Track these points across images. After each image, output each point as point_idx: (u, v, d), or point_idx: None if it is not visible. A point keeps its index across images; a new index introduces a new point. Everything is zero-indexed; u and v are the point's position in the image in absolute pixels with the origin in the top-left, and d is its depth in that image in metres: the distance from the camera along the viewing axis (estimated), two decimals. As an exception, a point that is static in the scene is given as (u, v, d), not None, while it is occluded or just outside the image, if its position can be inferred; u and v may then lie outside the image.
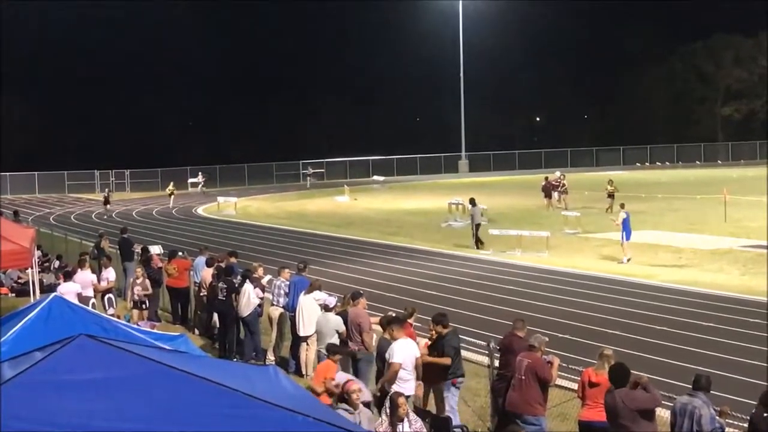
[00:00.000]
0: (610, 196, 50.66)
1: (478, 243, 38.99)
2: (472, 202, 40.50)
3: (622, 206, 37.47)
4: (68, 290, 21.33)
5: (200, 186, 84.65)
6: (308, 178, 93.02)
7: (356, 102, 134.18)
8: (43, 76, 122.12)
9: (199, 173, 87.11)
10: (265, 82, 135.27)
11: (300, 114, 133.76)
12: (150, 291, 24.34)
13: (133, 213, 64.23)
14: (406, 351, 14.45)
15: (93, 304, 22.37)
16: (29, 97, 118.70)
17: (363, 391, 13.18)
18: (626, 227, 34.32)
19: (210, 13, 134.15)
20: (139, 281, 24.27)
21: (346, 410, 12.02)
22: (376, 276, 32.54)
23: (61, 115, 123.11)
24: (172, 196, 70.60)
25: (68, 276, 23.89)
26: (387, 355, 14.55)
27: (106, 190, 73.59)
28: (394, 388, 14.44)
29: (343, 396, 12.32)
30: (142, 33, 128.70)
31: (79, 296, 21.71)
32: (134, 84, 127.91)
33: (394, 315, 16.47)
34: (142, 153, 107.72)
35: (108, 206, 65.24)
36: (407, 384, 14.37)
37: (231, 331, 21.25)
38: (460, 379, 15.04)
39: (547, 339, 14.28)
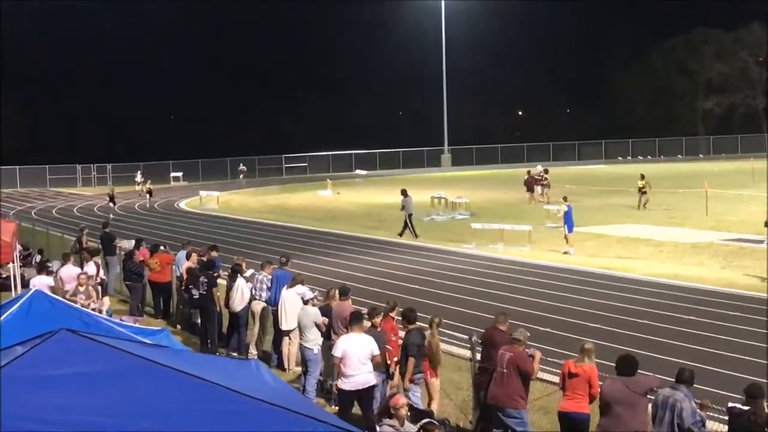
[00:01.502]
0: (642, 191, 49.65)
1: (406, 231, 40.89)
2: (404, 193, 41.81)
3: (565, 199, 38.09)
4: (40, 283, 21.32)
5: (242, 176, 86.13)
6: (240, 176, 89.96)
7: (339, 96, 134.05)
8: (24, 71, 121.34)
9: (240, 164, 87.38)
10: (248, 76, 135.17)
11: (282, 108, 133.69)
12: (93, 298, 22.99)
13: (115, 207, 64.01)
14: (347, 346, 14.54)
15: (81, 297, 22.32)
16: (11, 92, 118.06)
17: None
18: (568, 220, 35.13)
19: (193, 8, 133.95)
20: (82, 289, 22.55)
21: (391, 426, 11.71)
22: (359, 270, 32.54)
23: (42, 109, 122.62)
24: (149, 195, 67.04)
25: (42, 269, 23.93)
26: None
27: (110, 187, 71.91)
28: (339, 383, 14.75)
29: (389, 411, 11.89)
30: (125, 28, 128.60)
31: (60, 291, 21.70)
32: (117, 78, 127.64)
33: (371, 308, 16.51)
34: (123, 147, 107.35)
35: (114, 204, 62.18)
36: (352, 379, 14.47)
37: (212, 326, 21.25)
38: (417, 376, 15.05)
39: (528, 333, 14.33)
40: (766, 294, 25.28)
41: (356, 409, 14.90)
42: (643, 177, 50.23)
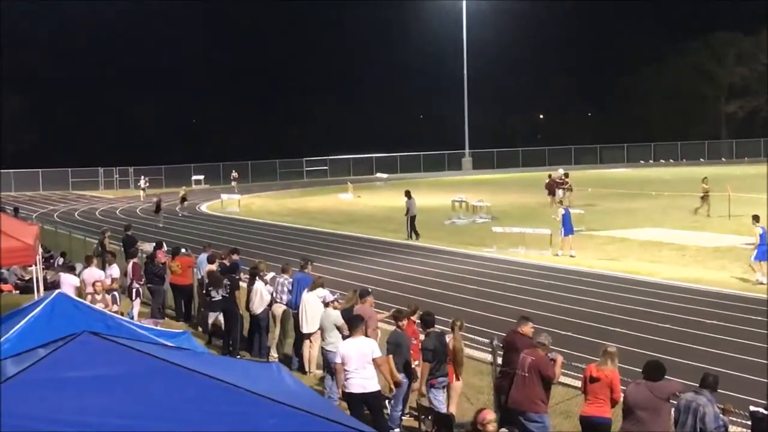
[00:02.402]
0: (705, 196, 47.57)
1: (414, 234, 41.27)
2: (408, 194, 42.12)
3: (561, 203, 38.12)
4: (67, 281, 21.97)
5: (234, 182, 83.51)
6: (233, 182, 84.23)
7: (360, 99, 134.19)
8: (47, 74, 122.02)
9: (233, 171, 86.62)
10: (270, 79, 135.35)
11: (303, 111, 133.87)
12: (110, 306, 23.11)
13: (137, 210, 64.22)
14: (346, 349, 14.56)
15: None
16: (33, 95, 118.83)
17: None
18: (566, 223, 35.29)
19: (213, 11, 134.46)
20: (99, 297, 21.80)
21: None
22: (380, 273, 32.53)
23: (65, 112, 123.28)
24: (181, 202, 61.42)
25: (69, 270, 24.11)
26: None
27: (183, 189, 66.94)
28: (342, 387, 14.76)
29: (476, 427, 11.47)
30: (148, 32, 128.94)
31: (83, 293, 21.80)
32: (139, 82, 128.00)
33: (397, 309, 16.51)
34: (145, 150, 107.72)
35: (160, 212, 54.54)
36: (352, 382, 14.44)
37: (234, 328, 21.29)
38: (439, 380, 15.00)
39: (551, 339, 14.28)
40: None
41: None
42: (705, 180, 47.97)
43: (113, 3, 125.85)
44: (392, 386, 14.95)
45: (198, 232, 47.45)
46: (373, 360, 14.44)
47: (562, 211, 36.48)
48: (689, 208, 48.02)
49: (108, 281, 24.16)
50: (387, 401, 15.59)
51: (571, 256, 34.60)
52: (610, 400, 12.84)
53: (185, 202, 61.10)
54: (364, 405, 14.62)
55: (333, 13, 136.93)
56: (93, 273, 23.71)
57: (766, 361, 19.06)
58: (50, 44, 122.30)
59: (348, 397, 14.67)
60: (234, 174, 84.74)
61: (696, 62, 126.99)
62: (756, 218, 29.59)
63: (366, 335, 15.42)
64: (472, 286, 29.56)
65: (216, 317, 22.11)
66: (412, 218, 41.53)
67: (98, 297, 21.51)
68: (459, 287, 29.33)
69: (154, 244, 29.53)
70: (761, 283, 27.79)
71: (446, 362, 15.02)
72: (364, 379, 14.36)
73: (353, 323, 15.08)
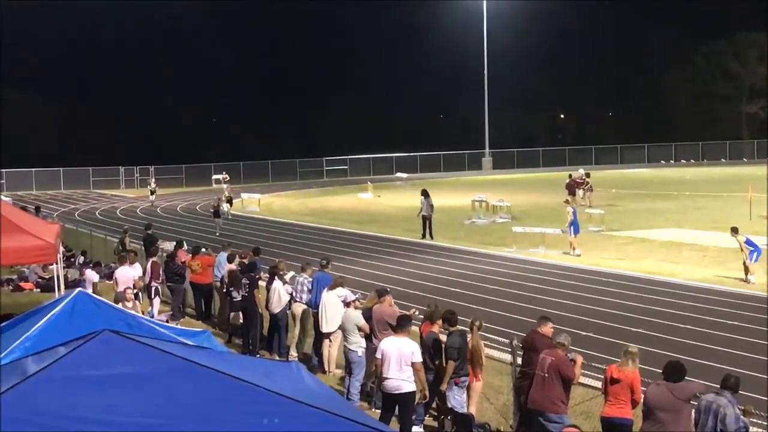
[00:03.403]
0: (587, 188, 48.65)
1: (427, 234, 41.43)
2: (423, 193, 42.25)
3: (567, 202, 38.24)
4: (90, 275, 21.93)
5: (225, 184, 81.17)
6: (224, 184, 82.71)
7: (380, 99, 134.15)
8: (67, 72, 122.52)
9: (223, 171, 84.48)
10: (289, 79, 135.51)
11: (324, 111, 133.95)
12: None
13: (158, 209, 64.44)
14: (386, 347, 14.58)
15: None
16: (54, 95, 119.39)
17: None
18: (575, 222, 35.61)
19: (234, 11, 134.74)
20: (129, 305, 20.69)
21: None
22: (400, 273, 32.53)
23: (86, 111, 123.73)
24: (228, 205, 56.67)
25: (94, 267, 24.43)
26: None
27: (228, 187, 61.14)
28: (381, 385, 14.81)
29: None
30: (168, 31, 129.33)
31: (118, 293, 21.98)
32: (159, 81, 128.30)
33: (433, 309, 16.50)
34: (166, 149, 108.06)
35: (230, 205, 54.98)
36: (386, 382, 14.48)
37: (254, 327, 21.33)
38: (462, 379, 14.98)
39: (570, 339, 14.24)
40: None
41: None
42: (588, 175, 48.97)
43: (134, 2, 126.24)
44: (426, 393, 14.88)
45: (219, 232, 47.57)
46: (413, 364, 14.38)
47: (570, 209, 36.65)
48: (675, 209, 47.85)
49: (130, 293, 24.21)
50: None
51: (577, 255, 34.76)
52: (631, 401, 12.80)
53: (231, 203, 56.96)
54: (396, 405, 14.67)
55: (354, 13, 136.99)
56: (126, 272, 23.78)
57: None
58: (68, 44, 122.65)
59: (383, 395, 14.79)
60: (224, 175, 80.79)
61: (718, 62, 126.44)
62: (735, 230, 29.49)
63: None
64: (491, 286, 29.53)
65: (235, 316, 22.17)
66: (425, 218, 41.66)
67: (129, 304, 21.27)
68: (479, 287, 29.29)
69: (174, 243, 29.64)
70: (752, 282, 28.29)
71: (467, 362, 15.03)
72: (400, 381, 14.37)
73: (401, 323, 15.03)
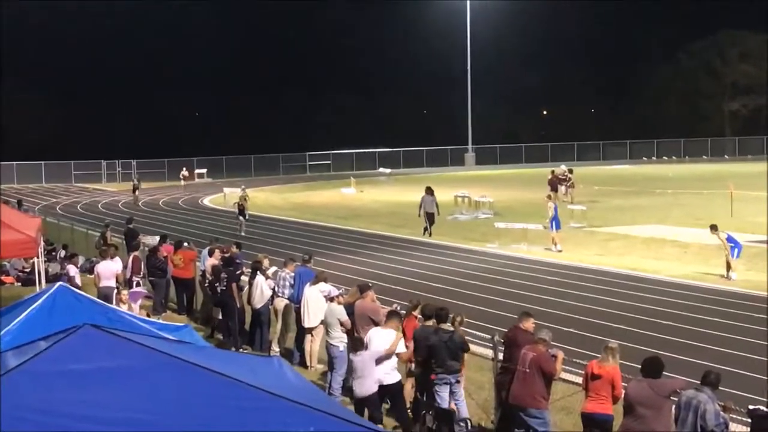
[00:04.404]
0: (570, 185, 48.80)
1: (426, 231, 40.88)
2: (427, 190, 41.86)
3: (549, 198, 38.44)
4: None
5: (183, 181, 78.04)
6: (182, 181, 78.45)
7: (363, 94, 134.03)
8: (49, 66, 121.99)
9: (183, 167, 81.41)
10: (273, 73, 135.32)
11: (307, 105, 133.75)
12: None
13: (140, 203, 64.25)
14: (370, 339, 14.73)
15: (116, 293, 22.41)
16: (35, 88, 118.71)
17: None
18: (555, 218, 35.69)
19: (218, 5, 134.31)
20: (125, 307, 20.28)
21: None
22: (383, 268, 32.54)
23: (67, 104, 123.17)
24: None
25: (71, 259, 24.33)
26: None
27: (243, 190, 53.75)
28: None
29: None
30: (150, 24, 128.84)
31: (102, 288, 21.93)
32: (142, 74, 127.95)
33: (424, 303, 16.56)
34: (148, 143, 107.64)
35: (243, 217, 46.08)
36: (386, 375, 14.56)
37: (233, 321, 21.29)
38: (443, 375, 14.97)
39: (551, 334, 14.28)
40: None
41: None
42: (570, 170, 49.37)
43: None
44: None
45: (201, 226, 47.41)
46: (398, 355, 14.56)
47: (552, 205, 36.69)
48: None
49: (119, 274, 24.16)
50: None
51: (558, 251, 34.86)
52: (611, 397, 12.84)
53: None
54: (384, 396, 14.73)
55: (337, 9, 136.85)
56: (108, 266, 23.73)
57: (766, 359, 19.06)
58: (51, 37, 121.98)
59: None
60: (184, 172, 78.80)
61: (702, 60, 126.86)
62: (714, 227, 29.58)
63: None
64: (473, 281, 29.56)
65: (216, 311, 22.11)
66: (427, 215, 41.23)
67: (124, 306, 20.97)
68: (461, 282, 29.33)
69: (158, 237, 29.58)
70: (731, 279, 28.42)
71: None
72: (389, 371, 14.41)
73: (390, 316, 15.23)
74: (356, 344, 15.47)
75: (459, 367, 14.94)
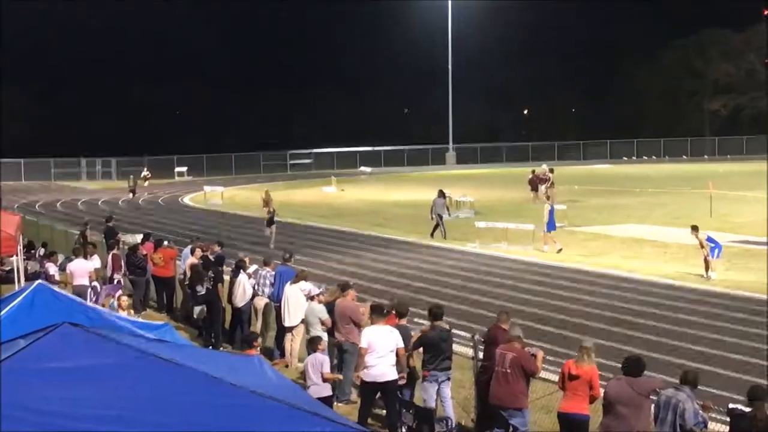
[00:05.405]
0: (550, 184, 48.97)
1: (433, 233, 39.92)
2: (441, 194, 41.48)
3: (548, 198, 38.37)
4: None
5: (146, 182, 73.74)
6: (145, 182, 73.61)
7: (345, 93, 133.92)
8: (28, 63, 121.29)
9: (144, 168, 78.44)
10: (254, 71, 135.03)
11: (288, 104, 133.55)
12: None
13: (119, 201, 64.04)
14: (372, 337, 14.61)
15: (90, 291, 22.35)
16: (15, 85, 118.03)
17: None
18: (551, 219, 35.55)
19: (199, 2, 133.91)
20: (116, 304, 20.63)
21: None
22: (363, 267, 32.54)
23: (48, 102, 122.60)
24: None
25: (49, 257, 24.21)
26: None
27: (266, 192, 50.37)
28: (361, 374, 14.76)
29: None
30: (130, 20, 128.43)
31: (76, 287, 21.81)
32: (121, 72, 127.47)
33: (398, 302, 16.58)
34: (128, 141, 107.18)
35: (273, 226, 39.79)
36: (373, 370, 14.51)
37: (218, 321, 21.25)
38: (432, 373, 14.95)
39: (521, 330, 14.36)
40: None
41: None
42: (551, 170, 49.06)
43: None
44: (405, 375, 15.04)
45: (181, 224, 47.27)
46: (398, 350, 14.57)
47: (548, 206, 36.59)
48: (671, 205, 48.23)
49: (93, 272, 24.13)
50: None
51: (559, 250, 34.63)
52: (588, 397, 12.85)
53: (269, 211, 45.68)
54: (378, 393, 14.81)
55: (318, 8, 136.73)
56: (82, 265, 23.69)
57: (745, 358, 19.17)
58: (31, 33, 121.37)
59: (366, 384, 14.77)
60: (146, 173, 75.07)
61: (683, 59, 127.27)
62: (695, 228, 29.69)
63: (357, 329, 15.46)
64: (454, 280, 29.60)
65: (201, 310, 22.04)
66: (439, 216, 40.15)
67: (123, 313, 20.68)
68: (441, 281, 29.36)
69: (137, 235, 29.50)
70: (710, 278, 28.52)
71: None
72: (388, 367, 14.47)
73: (375, 312, 15.22)
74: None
75: (450, 364, 15.03)
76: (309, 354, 15.80)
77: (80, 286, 22.65)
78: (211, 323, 21.44)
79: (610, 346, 19.17)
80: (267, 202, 45.35)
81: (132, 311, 20.71)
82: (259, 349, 14.72)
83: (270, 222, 39.35)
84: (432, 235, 40.01)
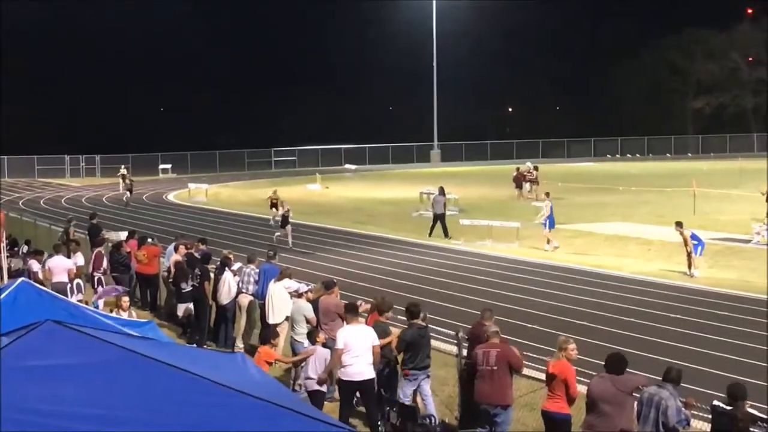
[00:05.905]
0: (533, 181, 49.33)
1: (444, 233, 39.24)
2: (441, 191, 41.10)
3: (548, 195, 38.45)
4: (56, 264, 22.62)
5: (128, 181, 66.82)
6: (127, 181, 66.13)
7: (329, 91, 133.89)
8: (14, 61, 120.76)
9: (122, 166, 73.94)
10: (239, 70, 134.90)
11: (272, 101, 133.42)
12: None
13: (104, 198, 63.85)
14: (348, 336, 14.56)
15: (71, 289, 22.27)
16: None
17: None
18: (550, 217, 35.47)
19: (181, 2, 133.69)
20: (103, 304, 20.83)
21: None
22: (347, 265, 32.52)
23: (32, 99, 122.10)
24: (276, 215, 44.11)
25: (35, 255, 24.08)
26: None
27: (273, 191, 47.85)
28: (339, 374, 14.74)
29: None
30: (115, 16, 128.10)
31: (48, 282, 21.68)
32: (106, 69, 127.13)
33: (381, 299, 16.57)
34: (112, 138, 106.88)
35: (288, 226, 39.03)
36: (350, 369, 14.47)
37: (204, 319, 21.22)
38: (412, 372, 14.94)
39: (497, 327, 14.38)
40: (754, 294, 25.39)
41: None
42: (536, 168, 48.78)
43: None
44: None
45: (165, 222, 47.15)
46: (374, 347, 14.53)
47: (548, 203, 36.41)
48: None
49: (73, 269, 24.05)
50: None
51: (555, 248, 34.72)
52: (566, 395, 12.83)
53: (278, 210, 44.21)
54: (357, 392, 14.75)
55: (303, 6, 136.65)
56: (61, 262, 23.62)
57: (728, 356, 19.25)
58: (16, 31, 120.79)
59: (344, 383, 14.73)
60: (123, 171, 70.46)
61: (667, 58, 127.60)
62: (679, 224, 29.76)
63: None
64: (438, 278, 29.62)
65: (186, 308, 21.98)
66: (438, 216, 39.42)
67: (124, 315, 20.46)
68: (426, 279, 29.38)
69: (122, 232, 29.40)
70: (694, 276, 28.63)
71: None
72: (366, 366, 14.45)
73: (349, 311, 15.20)
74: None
75: (429, 362, 15.05)
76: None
77: (59, 283, 22.53)
78: (197, 321, 21.40)
79: (593, 343, 19.21)
80: (276, 203, 44.33)
81: (133, 312, 20.70)
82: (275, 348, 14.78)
83: (285, 222, 38.70)
84: (430, 234, 39.54)
